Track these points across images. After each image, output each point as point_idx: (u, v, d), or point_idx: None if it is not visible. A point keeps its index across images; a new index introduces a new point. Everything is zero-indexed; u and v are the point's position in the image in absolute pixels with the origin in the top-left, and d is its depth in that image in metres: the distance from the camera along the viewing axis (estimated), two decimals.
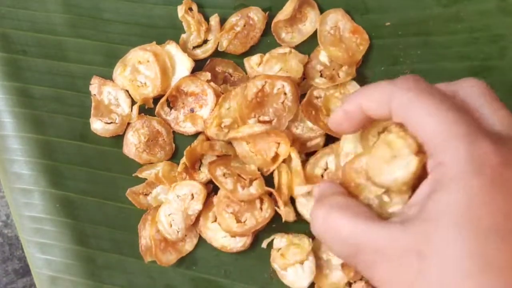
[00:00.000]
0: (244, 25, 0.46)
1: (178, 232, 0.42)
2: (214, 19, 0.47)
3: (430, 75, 0.45)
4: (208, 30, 0.46)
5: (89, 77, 0.46)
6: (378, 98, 0.29)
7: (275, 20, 0.46)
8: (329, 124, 0.33)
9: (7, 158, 0.46)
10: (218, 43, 0.46)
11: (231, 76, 0.46)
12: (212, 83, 0.44)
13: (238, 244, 0.42)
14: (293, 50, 0.44)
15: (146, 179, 0.44)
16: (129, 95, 0.46)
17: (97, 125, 0.46)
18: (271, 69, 0.44)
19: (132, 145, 0.45)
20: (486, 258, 0.24)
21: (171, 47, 0.45)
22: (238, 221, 0.41)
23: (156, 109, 0.45)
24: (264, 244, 0.42)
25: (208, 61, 0.46)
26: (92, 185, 0.45)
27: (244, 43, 0.46)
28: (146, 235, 0.43)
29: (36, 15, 0.48)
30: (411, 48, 0.46)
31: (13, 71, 0.47)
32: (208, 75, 0.44)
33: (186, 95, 0.45)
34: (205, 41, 0.47)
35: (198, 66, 0.46)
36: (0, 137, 0.46)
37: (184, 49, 0.46)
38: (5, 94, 0.46)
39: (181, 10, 0.47)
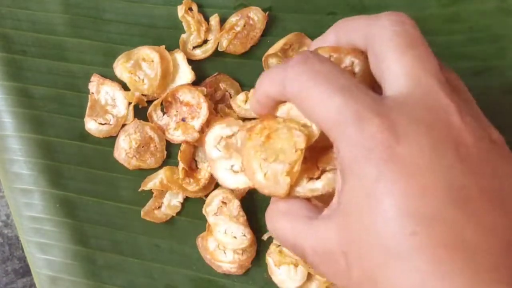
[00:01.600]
0: (244, 25, 0.46)
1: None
2: (214, 19, 0.47)
3: None
4: (208, 30, 0.46)
5: (89, 77, 0.46)
6: (276, 86, 0.28)
7: (266, 53, 0.45)
8: (251, 110, 0.32)
9: (7, 158, 0.46)
10: (218, 43, 0.46)
11: (231, 97, 0.46)
12: (208, 100, 0.44)
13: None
14: None
15: (144, 178, 0.44)
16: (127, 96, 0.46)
17: (91, 125, 0.46)
18: None
19: (123, 150, 0.45)
20: (401, 247, 0.23)
21: (179, 56, 0.45)
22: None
23: (149, 110, 0.45)
24: (264, 237, 0.42)
25: (215, 74, 0.45)
26: (92, 185, 0.45)
27: (244, 43, 0.46)
28: None
29: (36, 15, 0.48)
30: None
31: (13, 71, 0.47)
32: (204, 90, 0.44)
33: (181, 104, 0.45)
34: (205, 41, 0.47)
35: (198, 66, 0.46)
36: (0, 137, 0.46)
37: (184, 49, 0.46)
38: (5, 94, 0.46)
39: (181, 10, 0.47)
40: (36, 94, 0.47)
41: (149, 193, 0.45)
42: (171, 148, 0.45)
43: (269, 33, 0.47)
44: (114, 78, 0.46)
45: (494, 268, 0.22)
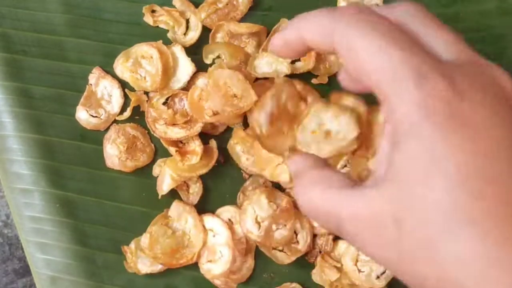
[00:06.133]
0: (227, 4, 0.46)
1: None
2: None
3: None
4: (182, 13, 0.46)
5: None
6: (320, 30, 0.26)
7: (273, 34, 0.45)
8: (269, 47, 0.32)
9: (7, 158, 0.46)
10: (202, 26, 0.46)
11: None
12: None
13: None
14: None
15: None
16: (123, 95, 0.46)
17: (82, 115, 0.46)
18: None
19: (114, 156, 0.45)
20: (466, 212, 0.21)
21: (177, 49, 0.45)
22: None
23: (150, 98, 0.45)
24: None
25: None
26: (92, 185, 0.45)
27: (221, 21, 0.46)
28: None
29: (36, 15, 0.48)
30: None
31: (13, 71, 0.47)
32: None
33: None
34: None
35: (197, 59, 0.46)
36: (0, 137, 0.46)
37: (178, 42, 0.46)
38: (5, 94, 0.46)
39: (148, 18, 0.47)
40: (36, 94, 0.47)
41: (150, 193, 0.45)
42: (153, 142, 0.46)
43: (248, 19, 0.46)
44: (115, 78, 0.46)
45: None
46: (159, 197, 0.43)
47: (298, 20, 0.28)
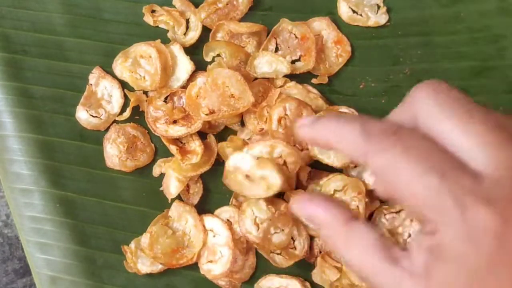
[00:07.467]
0: (227, 4, 0.46)
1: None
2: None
3: (430, 75, 0.45)
4: (182, 13, 0.46)
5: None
6: (355, 151, 0.27)
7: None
8: (299, 135, 0.31)
9: (7, 158, 0.46)
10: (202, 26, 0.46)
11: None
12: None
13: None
14: None
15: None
16: (124, 95, 0.46)
17: (82, 115, 0.46)
18: None
19: (114, 156, 0.45)
20: None
21: (175, 48, 0.45)
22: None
23: (150, 97, 0.45)
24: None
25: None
26: (92, 185, 0.45)
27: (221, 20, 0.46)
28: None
29: (36, 15, 0.48)
30: (411, 48, 0.46)
31: (13, 71, 0.47)
32: None
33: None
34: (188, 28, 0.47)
35: (197, 58, 0.46)
36: (0, 137, 0.46)
37: (177, 42, 0.46)
38: (5, 94, 0.46)
39: (148, 18, 0.47)
40: (36, 94, 0.47)
41: (150, 193, 0.45)
42: (153, 142, 0.46)
43: (249, 19, 0.46)
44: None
45: None
46: (169, 201, 0.44)
47: (334, 133, 0.27)
